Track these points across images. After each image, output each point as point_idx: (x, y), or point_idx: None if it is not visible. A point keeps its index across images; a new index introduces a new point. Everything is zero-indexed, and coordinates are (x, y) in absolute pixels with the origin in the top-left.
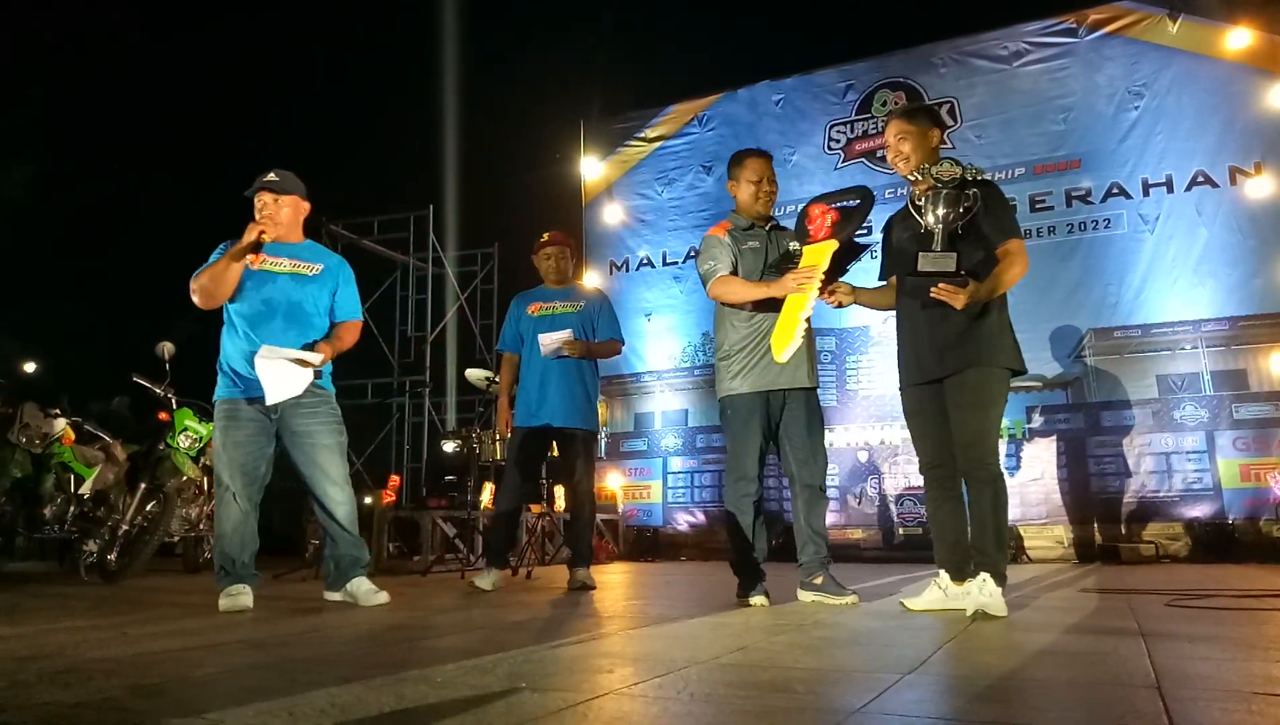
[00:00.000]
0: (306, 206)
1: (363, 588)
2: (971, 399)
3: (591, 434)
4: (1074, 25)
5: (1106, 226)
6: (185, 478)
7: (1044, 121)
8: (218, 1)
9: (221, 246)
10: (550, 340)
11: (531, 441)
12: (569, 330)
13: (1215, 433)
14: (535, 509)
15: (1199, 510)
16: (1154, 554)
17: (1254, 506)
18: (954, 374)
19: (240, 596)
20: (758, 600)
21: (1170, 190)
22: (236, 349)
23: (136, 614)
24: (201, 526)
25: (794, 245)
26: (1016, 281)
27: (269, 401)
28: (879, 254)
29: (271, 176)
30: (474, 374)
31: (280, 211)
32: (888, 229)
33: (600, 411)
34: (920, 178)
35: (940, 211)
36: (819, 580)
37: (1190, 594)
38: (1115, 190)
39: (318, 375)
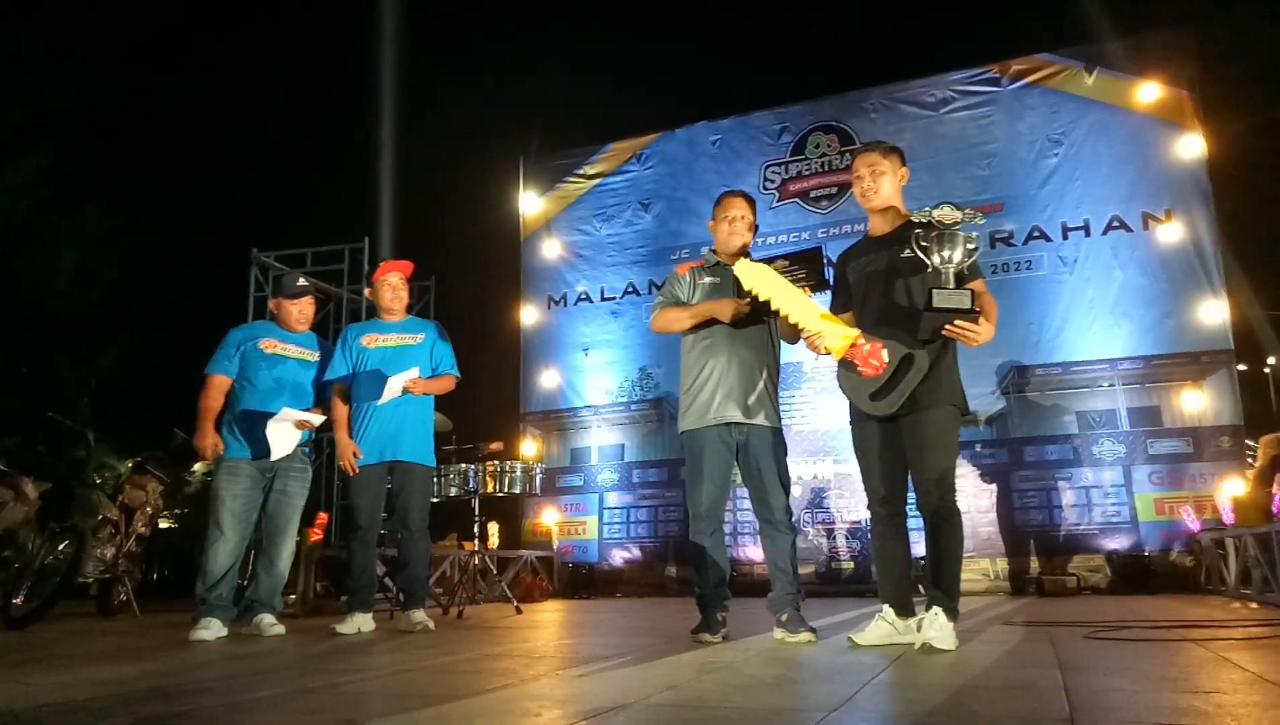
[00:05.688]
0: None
1: (265, 621)
2: (935, 437)
3: (427, 470)
4: (997, 75)
5: (1028, 268)
6: (101, 517)
7: (969, 166)
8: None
9: (233, 338)
10: (396, 384)
11: (375, 479)
12: (416, 367)
13: (1132, 467)
14: (469, 546)
15: (1118, 543)
16: (1076, 586)
17: (1168, 539)
18: (916, 412)
19: (211, 628)
20: (707, 638)
21: (1088, 234)
22: (247, 417)
23: (43, 662)
24: (120, 567)
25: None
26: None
27: (274, 457)
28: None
29: (303, 282)
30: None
31: (309, 310)
32: (841, 265)
33: (536, 446)
34: (917, 218)
35: (947, 253)
36: (784, 617)
37: (1107, 626)
38: (1036, 233)
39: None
